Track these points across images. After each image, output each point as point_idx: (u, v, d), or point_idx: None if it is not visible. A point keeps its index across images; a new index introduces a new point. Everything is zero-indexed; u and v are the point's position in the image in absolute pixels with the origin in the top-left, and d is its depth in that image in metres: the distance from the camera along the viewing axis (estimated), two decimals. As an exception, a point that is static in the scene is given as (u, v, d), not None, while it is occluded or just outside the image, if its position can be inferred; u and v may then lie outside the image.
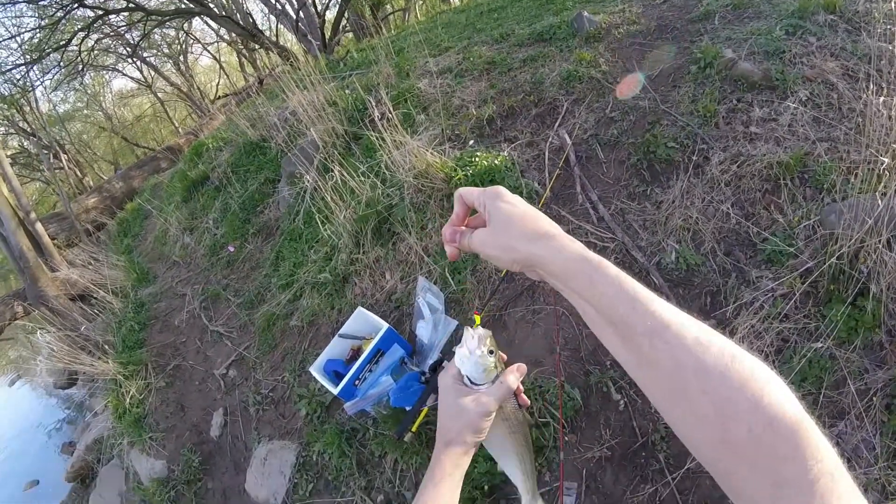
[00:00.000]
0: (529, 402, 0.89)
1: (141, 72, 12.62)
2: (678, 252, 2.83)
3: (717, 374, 0.47)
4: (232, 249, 5.05)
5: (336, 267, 3.64)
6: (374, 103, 4.25)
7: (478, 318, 0.86)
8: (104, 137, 12.96)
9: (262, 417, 3.77)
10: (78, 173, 11.74)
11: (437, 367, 2.42)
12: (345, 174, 3.81)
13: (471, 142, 3.93)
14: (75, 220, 8.28)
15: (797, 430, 0.44)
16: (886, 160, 2.35)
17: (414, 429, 2.69)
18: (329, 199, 3.70)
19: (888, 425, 2.06)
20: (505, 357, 0.86)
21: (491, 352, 0.81)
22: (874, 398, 2.13)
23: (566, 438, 2.42)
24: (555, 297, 2.90)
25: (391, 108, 3.70)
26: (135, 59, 11.90)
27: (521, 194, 3.46)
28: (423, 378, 2.56)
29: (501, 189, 0.69)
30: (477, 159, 3.47)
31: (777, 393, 0.46)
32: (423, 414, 2.62)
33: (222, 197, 5.70)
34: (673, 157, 3.20)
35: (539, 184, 3.45)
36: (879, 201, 2.22)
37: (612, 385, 2.51)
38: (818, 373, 2.23)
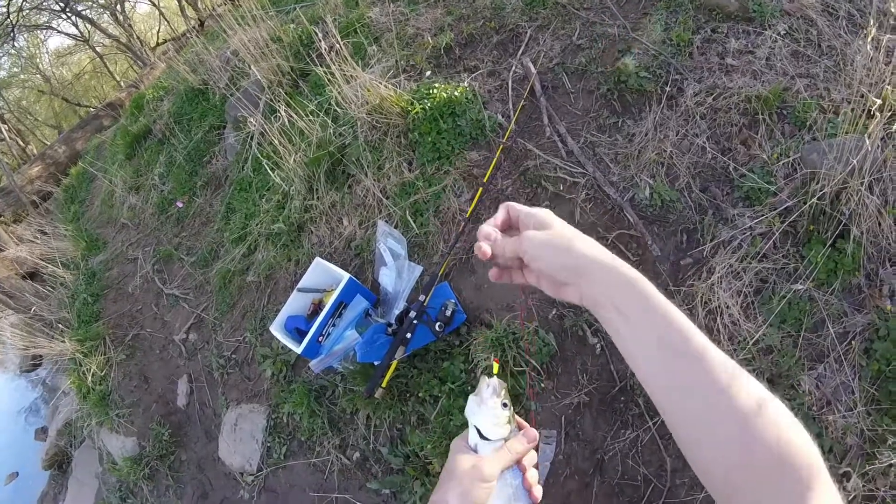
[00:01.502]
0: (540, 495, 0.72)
1: (76, 27, 11.47)
2: (652, 187, 2.60)
3: (749, 409, 0.48)
4: (181, 205, 4.64)
5: (290, 216, 3.31)
6: (320, 35, 3.79)
7: (496, 366, 0.79)
8: (44, 101, 11.91)
9: (227, 381, 3.52)
10: (20, 142, 10.80)
11: (402, 318, 2.16)
12: (292, 114, 3.41)
13: (428, 73, 3.54)
14: (20, 193, 7.63)
15: (811, 469, 0.45)
16: (878, 101, 2.13)
17: (384, 384, 2.48)
18: (277, 142, 3.31)
19: (866, 370, 1.99)
20: (519, 420, 0.77)
21: (505, 405, 0.74)
22: (853, 342, 2.07)
23: (542, 385, 2.23)
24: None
25: (339, 39, 3.27)
26: (69, 14, 10.78)
27: (483, 126, 3.16)
28: (389, 330, 2.31)
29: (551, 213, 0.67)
30: (435, 91, 3.11)
31: (800, 436, 0.47)
32: (392, 368, 2.40)
33: (166, 150, 5.21)
34: (645, 87, 2.90)
35: (503, 116, 3.13)
36: (868, 142, 2.05)
37: (588, 328, 2.32)
38: (797, 315, 2.15)
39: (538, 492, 0.70)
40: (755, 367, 2.14)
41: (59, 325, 4.49)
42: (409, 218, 2.80)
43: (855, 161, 2.07)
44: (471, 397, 0.75)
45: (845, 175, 2.11)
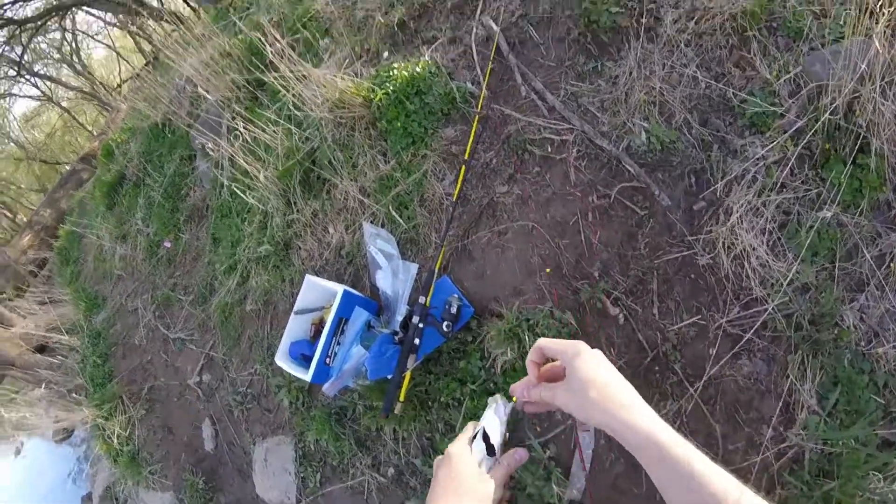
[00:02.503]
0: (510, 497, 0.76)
1: (37, 87, 11.22)
2: (648, 131, 2.34)
3: None
4: (168, 245, 4.44)
5: (273, 235, 3.09)
6: (264, 41, 3.52)
7: (514, 399, 0.80)
8: (23, 168, 11.73)
9: (249, 417, 3.36)
10: (8, 214, 10.67)
11: (407, 323, 1.95)
12: (253, 130, 3.17)
13: (385, 54, 3.27)
14: (16, 267, 7.49)
15: None
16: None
17: (402, 397, 2.28)
18: (243, 162, 3.08)
19: (911, 291, 1.77)
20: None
21: (515, 419, 0.89)
22: (892, 264, 1.91)
23: None
24: (518, 210, 2.41)
25: (279, 39, 3.00)
26: (26, 77, 10.52)
27: (453, 99, 2.89)
28: (396, 338, 2.10)
29: (582, 346, 0.73)
30: (395, 72, 2.84)
31: None
32: (406, 380, 2.20)
33: (143, 191, 5.00)
34: (619, 23, 2.61)
35: (472, 83, 2.85)
36: (877, 43, 1.78)
37: (607, 298, 2.09)
38: (829, 244, 1.96)
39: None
40: (793, 311, 1.91)
41: (76, 393, 4.36)
42: (394, 213, 2.56)
43: (864, 66, 1.85)
44: (489, 413, 0.77)
45: (855, 83, 1.88)
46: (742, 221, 2.05)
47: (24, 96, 11.38)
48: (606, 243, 2.25)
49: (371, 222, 2.66)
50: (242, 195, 3.08)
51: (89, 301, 5.31)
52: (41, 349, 5.78)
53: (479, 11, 3.15)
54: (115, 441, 3.99)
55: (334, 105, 2.91)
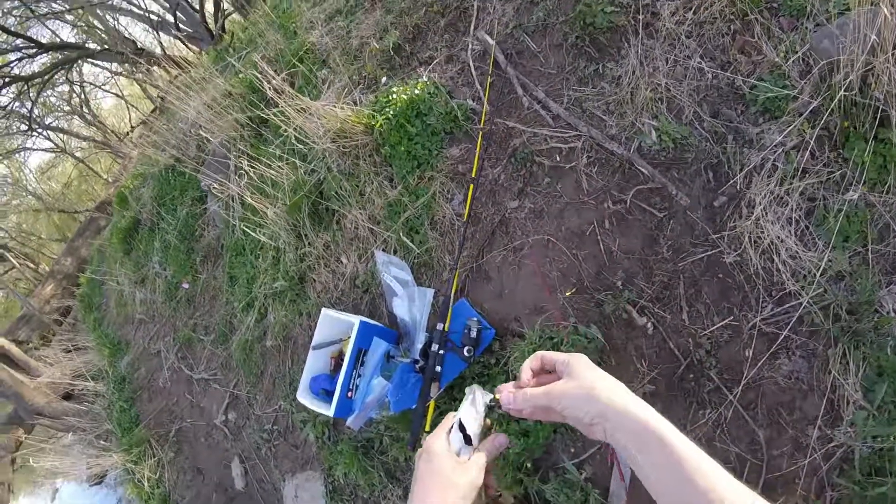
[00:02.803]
0: (494, 488, 0.77)
1: (50, 139, 11.49)
2: (658, 129, 2.27)
3: None
4: (186, 286, 4.44)
5: (287, 270, 3.06)
6: (261, 78, 3.53)
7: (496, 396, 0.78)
8: (43, 218, 11.98)
9: (276, 454, 3.31)
10: (31, 265, 10.87)
11: (426, 351, 1.89)
12: (259, 166, 3.17)
13: (383, 79, 3.25)
14: (41, 316, 7.59)
15: None
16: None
17: (427, 428, 2.21)
18: (250, 200, 3.07)
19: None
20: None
21: (490, 408, 0.78)
22: None
23: None
24: (532, 224, 2.35)
25: (274, 75, 3.00)
26: (38, 131, 10.78)
27: (455, 118, 2.84)
28: (417, 367, 2.04)
29: (581, 355, 0.73)
30: (394, 96, 2.82)
31: None
32: (431, 409, 2.13)
33: (159, 235, 5.04)
34: (616, 22, 2.56)
35: (473, 99, 2.82)
36: (885, 9, 1.72)
37: (633, 308, 2.01)
38: (859, 227, 1.86)
39: None
40: (829, 301, 1.81)
41: (102, 442, 4.35)
42: (405, 239, 2.52)
43: (874, 36, 1.75)
44: (466, 404, 0.77)
45: (867, 55, 1.79)
46: (766, 213, 1.97)
47: (38, 149, 11.68)
48: (627, 250, 2.17)
49: (383, 250, 2.62)
50: (253, 233, 3.06)
51: (113, 346, 5.34)
52: (68, 396, 5.81)
53: (472, 27, 3.12)
54: (146, 485, 3.96)
55: (336, 135, 2.89)
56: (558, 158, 2.43)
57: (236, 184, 3.51)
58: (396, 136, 2.68)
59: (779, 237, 1.94)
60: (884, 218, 1.89)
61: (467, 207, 2.33)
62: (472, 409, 0.76)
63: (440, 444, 0.72)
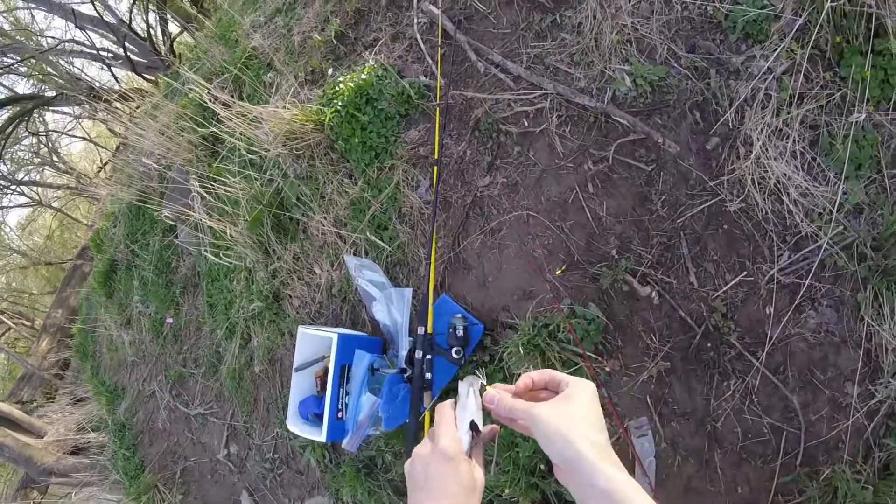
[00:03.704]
0: None
1: (24, 194, 11.13)
2: (631, 73, 2.02)
3: None
4: (170, 320, 4.18)
5: (261, 290, 2.80)
6: (204, 94, 3.24)
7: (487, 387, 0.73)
8: (31, 273, 11.66)
9: (282, 482, 3.07)
10: (26, 323, 10.57)
11: (412, 357, 1.64)
12: (214, 185, 2.89)
13: (329, 71, 2.97)
14: (40, 373, 7.32)
15: None
16: None
17: (425, 441, 1.97)
18: (208, 222, 2.80)
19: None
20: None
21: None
22: None
23: (607, 370, 1.68)
24: (507, 199, 2.08)
25: (207, 86, 2.72)
26: (10, 188, 10.44)
27: (408, 98, 2.54)
28: (405, 377, 1.79)
29: (590, 383, 0.66)
30: (341, 86, 2.54)
31: None
32: (427, 420, 1.88)
33: (136, 273, 4.76)
34: (565, -37, 2.28)
35: (426, 75, 2.54)
36: None
37: (633, 277, 1.75)
38: (871, 152, 1.64)
39: None
40: (851, 239, 1.56)
41: (108, 496, 4.12)
42: (373, 238, 2.25)
43: None
44: (470, 399, 0.71)
45: None
46: (767, 149, 1.71)
47: (15, 206, 11.27)
48: (617, 213, 1.91)
49: (354, 253, 2.36)
50: (216, 258, 2.79)
51: (109, 394, 5.08)
52: (77, 451, 5.57)
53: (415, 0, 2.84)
54: (161, 533, 3.74)
55: (287, 138, 2.61)
56: (526, 123, 2.16)
57: (196, 208, 3.24)
58: (348, 129, 2.41)
59: (785, 174, 1.69)
60: (895, 138, 1.65)
61: (434, 191, 2.06)
62: (475, 403, 0.70)
63: (456, 445, 0.64)
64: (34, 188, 10.69)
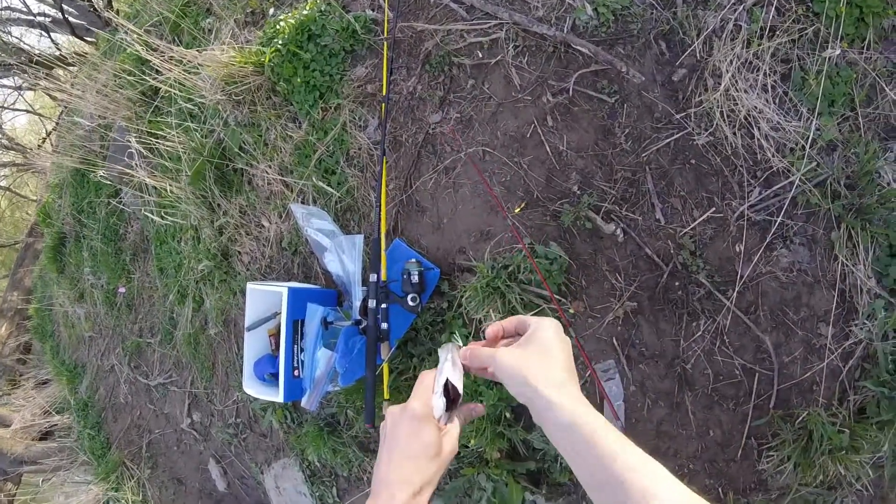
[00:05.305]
0: None
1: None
2: (592, 1, 1.82)
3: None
4: (123, 290, 3.87)
5: (208, 248, 2.55)
6: (140, 45, 2.87)
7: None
8: (-17, 259, 10.89)
9: (248, 447, 2.90)
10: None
11: (366, 307, 1.44)
12: (152, 141, 2.59)
13: (270, 11, 2.65)
14: (3, 360, 6.87)
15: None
16: None
17: (386, 395, 1.80)
18: (148, 180, 2.51)
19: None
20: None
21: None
22: None
23: (571, 311, 1.54)
24: (455, 135, 1.88)
25: (136, 30, 2.38)
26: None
27: (354, 32, 2.24)
28: (360, 329, 1.60)
29: (554, 320, 0.64)
30: (281, 24, 2.25)
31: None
32: (386, 374, 1.71)
33: (85, 243, 4.40)
34: None
35: (372, 8, 2.27)
36: None
37: (596, 215, 1.59)
38: (844, 89, 1.53)
39: None
40: (824, 176, 1.45)
41: (76, 478, 3.90)
42: (320, 184, 2.02)
43: None
44: (447, 364, 0.67)
45: None
46: (736, 81, 1.56)
47: (-45, 187, 10.40)
48: (578, 147, 1.74)
49: (302, 202, 2.13)
50: (158, 218, 2.52)
51: (70, 372, 4.77)
52: (44, 437, 5.26)
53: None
54: (133, 509, 3.54)
55: (225, 83, 2.32)
56: (480, 55, 1.94)
57: (137, 167, 2.92)
58: (290, 68, 2.14)
59: (755, 107, 1.54)
60: (869, 77, 1.53)
61: (382, 132, 1.83)
62: (453, 369, 0.66)
63: (425, 408, 0.62)
64: (-22, 167, 9.85)
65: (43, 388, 5.77)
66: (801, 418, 1.43)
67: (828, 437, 1.36)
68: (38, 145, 8.76)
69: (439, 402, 0.64)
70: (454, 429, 0.64)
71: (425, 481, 0.57)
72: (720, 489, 1.60)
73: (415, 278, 1.68)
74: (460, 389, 0.65)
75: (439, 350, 0.70)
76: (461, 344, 0.71)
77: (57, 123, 7.62)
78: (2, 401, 6.33)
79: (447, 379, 0.64)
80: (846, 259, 1.44)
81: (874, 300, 1.41)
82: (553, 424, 0.54)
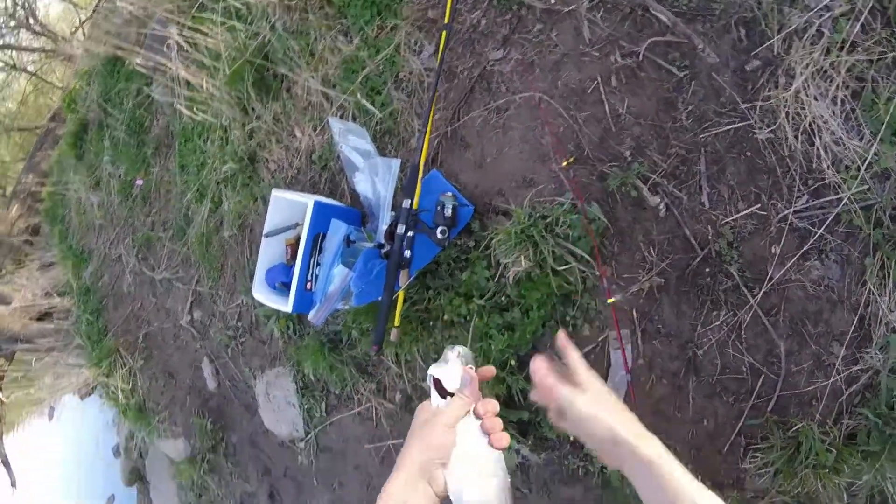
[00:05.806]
0: (508, 442, 0.69)
1: (-4, 58, 9.96)
2: None
3: None
4: (140, 182, 3.82)
5: (235, 150, 2.49)
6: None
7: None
8: (2, 141, 10.69)
9: (244, 351, 2.94)
10: (-2, 190, 9.80)
11: (392, 232, 1.40)
12: (194, 36, 2.48)
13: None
14: (10, 239, 6.85)
15: None
16: None
17: (397, 322, 1.78)
18: (185, 75, 2.42)
19: None
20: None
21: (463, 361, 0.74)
22: None
23: (596, 273, 1.50)
24: (520, 78, 1.79)
25: None
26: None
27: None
28: (382, 252, 1.56)
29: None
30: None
31: None
32: (400, 301, 1.69)
33: (108, 132, 4.31)
34: None
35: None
36: None
37: (643, 185, 1.54)
38: None
39: (500, 439, 0.68)
40: (872, 202, 1.40)
41: (69, 361, 3.95)
42: (364, 102, 1.95)
43: None
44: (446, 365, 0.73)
45: None
46: (808, 86, 1.47)
47: (-15, 69, 10.10)
48: (638, 114, 1.66)
49: (341, 117, 2.06)
50: (189, 112, 2.44)
51: (76, 257, 4.77)
52: (44, 317, 5.31)
53: None
54: (121, 396, 3.61)
55: (281, -17, 2.21)
56: (553, 0, 1.84)
57: (174, 58, 2.81)
58: (351, -22, 2.03)
59: (822, 116, 1.47)
60: None
61: (439, 58, 1.75)
62: (450, 369, 0.72)
63: (420, 407, 0.73)
64: (9, 52, 9.56)
65: (47, 271, 5.80)
66: (794, 428, 1.44)
67: (815, 453, 1.37)
68: (71, 33, 8.46)
69: (435, 396, 0.72)
70: (450, 403, 0.70)
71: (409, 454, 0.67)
72: (698, 478, 1.62)
73: (448, 212, 1.64)
74: (451, 389, 0.70)
75: (447, 350, 0.75)
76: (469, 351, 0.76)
77: (94, 11, 7.35)
78: (4, 279, 6.37)
79: (431, 375, 0.72)
80: (874, 287, 1.42)
81: (891, 335, 1.39)
82: (619, 461, 0.65)
